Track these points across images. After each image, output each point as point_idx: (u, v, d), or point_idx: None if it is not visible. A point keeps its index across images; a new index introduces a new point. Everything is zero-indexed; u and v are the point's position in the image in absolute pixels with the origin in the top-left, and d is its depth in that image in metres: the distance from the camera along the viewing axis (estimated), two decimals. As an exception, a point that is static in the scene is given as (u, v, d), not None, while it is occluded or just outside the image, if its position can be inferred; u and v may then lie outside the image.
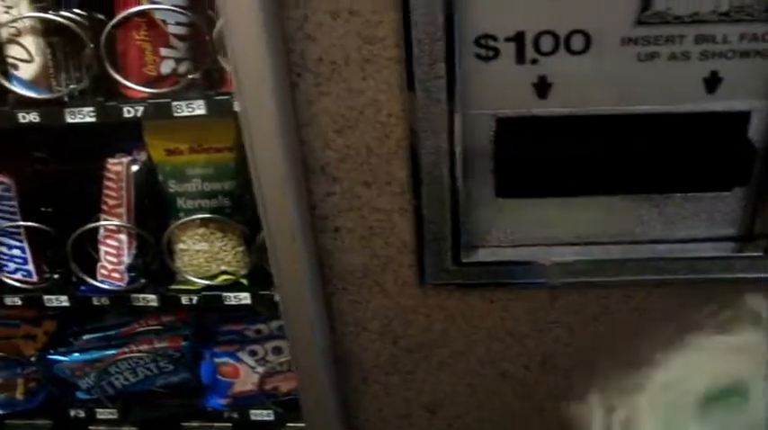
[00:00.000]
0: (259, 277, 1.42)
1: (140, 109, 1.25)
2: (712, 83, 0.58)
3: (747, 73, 0.57)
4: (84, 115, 1.27)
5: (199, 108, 1.20)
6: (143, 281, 1.49)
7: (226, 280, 1.45)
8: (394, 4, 0.53)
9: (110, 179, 1.41)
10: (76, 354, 1.68)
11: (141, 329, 1.71)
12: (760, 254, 0.61)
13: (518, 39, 0.56)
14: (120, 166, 1.40)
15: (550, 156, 0.60)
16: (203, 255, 1.45)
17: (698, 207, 0.54)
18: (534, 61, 0.56)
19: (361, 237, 0.66)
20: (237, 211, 1.42)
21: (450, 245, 0.64)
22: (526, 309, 0.69)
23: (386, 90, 0.58)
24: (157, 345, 1.67)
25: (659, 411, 0.52)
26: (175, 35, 1.24)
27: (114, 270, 1.48)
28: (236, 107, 1.17)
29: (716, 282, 0.61)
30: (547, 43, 0.56)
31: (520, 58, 0.56)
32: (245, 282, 1.45)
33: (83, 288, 1.52)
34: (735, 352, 0.51)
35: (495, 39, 0.56)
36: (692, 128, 0.58)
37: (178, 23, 1.23)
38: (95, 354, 1.67)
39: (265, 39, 0.56)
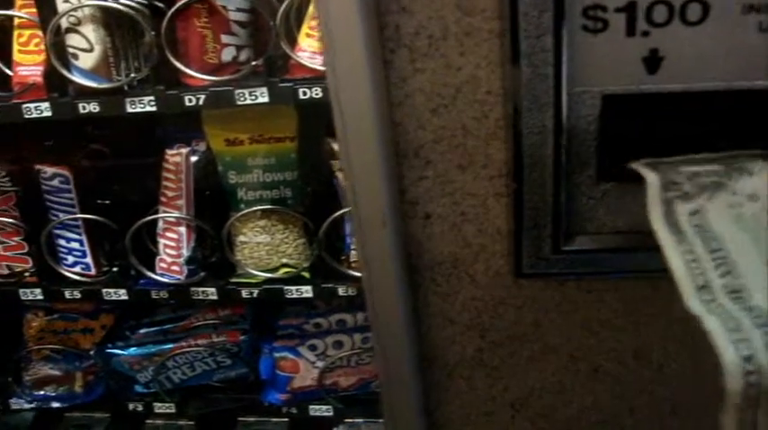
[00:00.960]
0: (320, 270, 1.40)
1: (202, 97, 1.22)
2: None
3: None
4: (144, 104, 1.26)
5: (262, 96, 1.18)
6: (202, 274, 1.47)
7: (287, 272, 1.43)
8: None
9: (168, 170, 1.39)
10: (134, 348, 1.67)
11: (199, 323, 1.70)
12: None
13: (629, 9, 0.52)
14: (178, 157, 1.37)
15: (659, 136, 0.55)
16: (264, 248, 1.43)
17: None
18: (646, 33, 0.52)
19: (452, 224, 0.63)
20: (299, 202, 1.39)
21: (550, 232, 0.60)
22: (624, 301, 0.65)
23: (485, 66, 0.55)
24: (215, 340, 1.66)
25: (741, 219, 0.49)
26: (237, 21, 1.22)
27: (173, 263, 1.46)
28: (302, 94, 1.15)
29: None
30: (660, 13, 0.52)
31: (630, 29, 0.52)
32: (306, 274, 1.43)
33: (141, 281, 1.51)
34: None
35: (604, 9, 0.52)
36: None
37: (239, 9, 1.21)
38: (153, 348, 1.67)
39: (359, 12, 0.52)
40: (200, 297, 1.49)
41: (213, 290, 1.48)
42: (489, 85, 0.56)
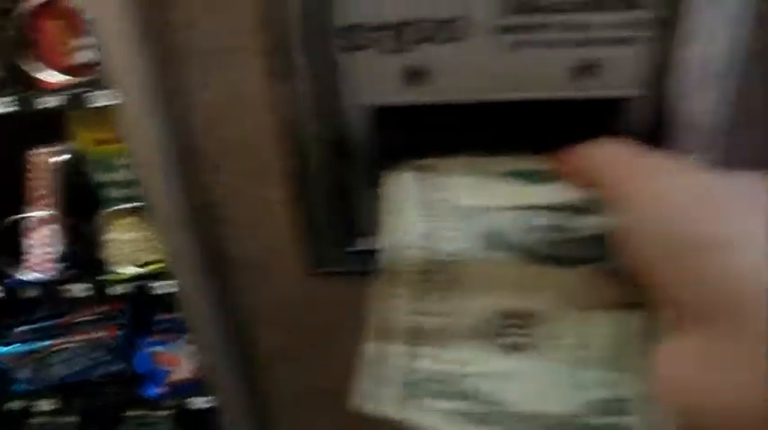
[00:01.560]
0: (188, 265, 1.42)
1: (58, 99, 1.24)
2: (583, 70, 0.59)
3: (616, 59, 0.58)
4: (3, 105, 1.26)
5: (116, 98, 1.20)
6: (72, 271, 1.48)
7: (155, 269, 1.46)
8: (256, -1, 0.53)
9: (35, 170, 1.40)
10: (13, 346, 1.67)
11: (77, 320, 1.71)
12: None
13: (388, 28, 0.56)
14: (45, 157, 1.39)
15: (427, 145, 0.60)
16: (132, 245, 1.45)
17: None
18: (404, 50, 0.57)
19: (248, 226, 0.67)
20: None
21: (332, 234, 0.65)
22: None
23: (260, 80, 0.59)
24: (93, 336, 1.67)
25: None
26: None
27: (44, 260, 1.47)
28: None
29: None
30: (416, 32, 0.56)
31: (390, 47, 0.57)
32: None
33: (8, 281, 1.51)
34: None
35: (364, 28, 0.56)
36: (567, 114, 0.60)
37: (95, 12, 1.22)
38: (33, 345, 1.67)
39: (136, 30, 0.56)
40: (72, 294, 1.50)
41: (84, 287, 1.49)
42: (265, 98, 0.60)
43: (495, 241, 0.49)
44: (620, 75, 0.59)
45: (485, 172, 0.55)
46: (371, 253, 0.67)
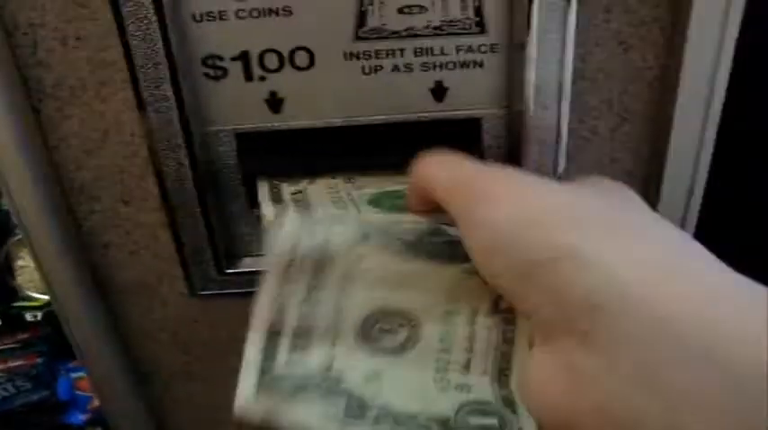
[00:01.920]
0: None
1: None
2: (439, 92, 0.61)
3: (470, 82, 0.61)
4: None
5: None
6: (-16, 300, 1.47)
7: (66, 295, 1.44)
8: (116, 29, 0.55)
9: (-60, 199, 1.38)
10: (-72, 379, 1.64)
11: (-4, 349, 1.68)
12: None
13: (244, 57, 0.58)
14: (-51, 186, 1.37)
15: (292, 167, 0.62)
16: (44, 271, 1.44)
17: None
18: (263, 78, 0.59)
19: (130, 251, 0.68)
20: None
21: (211, 256, 0.66)
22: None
23: (126, 111, 0.60)
24: (11, 364, 1.65)
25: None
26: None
27: (-47, 291, 1.45)
28: None
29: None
30: (272, 60, 0.58)
31: (248, 75, 0.59)
32: (88, 294, 1.44)
33: None
34: None
35: (221, 58, 0.58)
36: (428, 135, 0.62)
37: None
38: (-51, 377, 1.64)
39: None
40: (-16, 323, 1.48)
41: (-3, 315, 1.47)
42: (132, 127, 0.62)
43: (375, 237, 0.50)
44: (475, 95, 0.62)
45: (350, 200, 0.57)
46: (252, 274, 0.69)
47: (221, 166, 0.64)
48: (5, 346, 1.67)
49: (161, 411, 0.85)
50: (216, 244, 0.66)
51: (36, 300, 1.45)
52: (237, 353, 0.78)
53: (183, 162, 0.61)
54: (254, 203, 0.66)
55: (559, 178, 0.63)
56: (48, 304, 1.44)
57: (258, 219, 0.66)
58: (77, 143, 0.63)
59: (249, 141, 0.62)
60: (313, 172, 0.62)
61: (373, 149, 0.63)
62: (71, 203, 0.66)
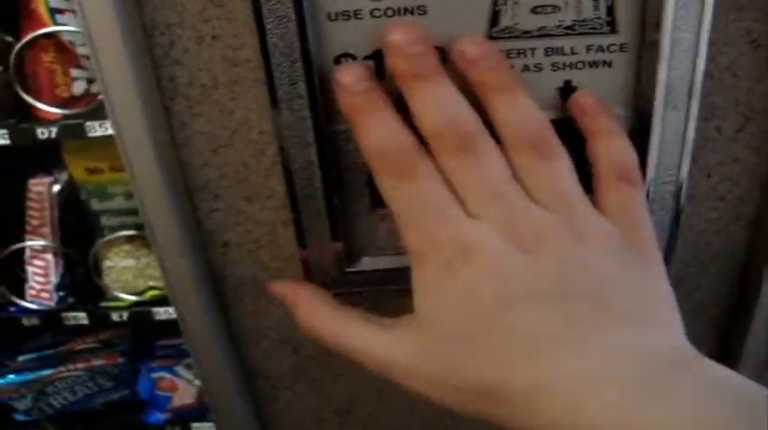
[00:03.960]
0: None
1: (54, 130, 1.25)
2: (566, 91, 0.61)
3: (598, 82, 0.60)
4: (1, 137, 1.27)
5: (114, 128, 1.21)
6: (72, 299, 1.49)
7: (154, 295, 1.46)
8: (252, 28, 0.55)
9: (32, 200, 1.41)
10: (11, 376, 1.67)
11: (78, 348, 1.71)
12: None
13: (376, 56, 0.58)
14: (41, 187, 1.40)
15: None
16: (130, 272, 1.46)
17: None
18: (393, 77, 0.59)
19: (249, 250, 0.68)
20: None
21: (332, 255, 0.66)
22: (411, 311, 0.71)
23: (255, 109, 0.60)
24: (95, 363, 1.68)
25: None
26: (85, 56, 1.25)
27: (43, 289, 1.48)
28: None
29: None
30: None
31: (380, 74, 0.59)
32: (173, 295, 1.46)
33: (12, 309, 1.52)
34: None
35: (354, 57, 0.58)
36: (557, 133, 0.61)
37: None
38: (31, 375, 1.67)
39: (133, 66, 0.57)
40: (72, 322, 1.51)
41: (84, 314, 1.50)
42: (261, 126, 0.62)
43: None
44: (602, 95, 0.61)
45: None
46: (371, 273, 0.69)
47: (348, 165, 0.63)
48: (89, 345, 1.70)
49: (267, 411, 0.85)
50: (338, 243, 0.66)
51: (122, 300, 1.47)
52: (345, 356, 0.78)
53: (313, 160, 0.61)
54: (377, 202, 0.65)
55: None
56: (133, 304, 1.47)
57: (380, 218, 0.66)
58: (204, 141, 0.63)
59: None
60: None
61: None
62: (194, 201, 0.67)
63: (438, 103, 0.46)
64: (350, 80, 0.48)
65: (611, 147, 0.52)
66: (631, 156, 0.52)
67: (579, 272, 0.44)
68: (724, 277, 0.75)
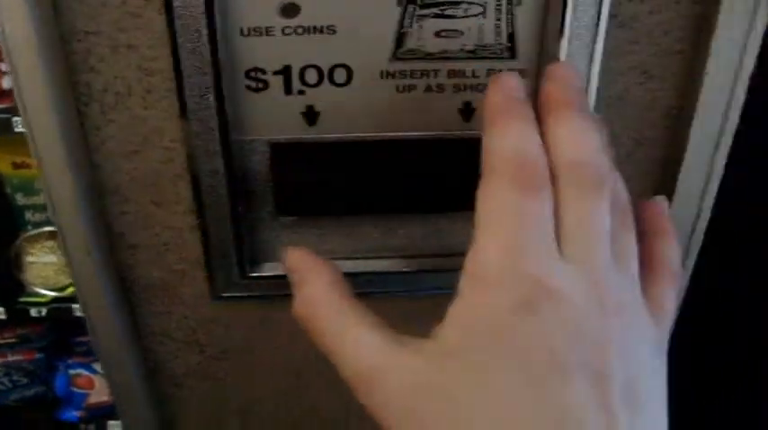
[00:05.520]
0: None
1: (-21, 123, 1.26)
2: (467, 112, 0.64)
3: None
4: None
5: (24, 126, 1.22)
6: (-10, 293, 1.49)
7: (74, 292, 1.46)
8: (167, 40, 0.58)
9: (-46, 192, 1.41)
10: (-74, 369, 1.66)
11: (-6, 343, 1.70)
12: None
13: (285, 72, 0.61)
14: (-36, 179, 1.40)
15: (322, 177, 0.65)
16: (52, 268, 1.47)
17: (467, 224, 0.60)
18: (301, 92, 0.62)
19: (157, 252, 0.71)
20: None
21: (235, 260, 0.69)
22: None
23: (167, 118, 0.63)
24: (10, 359, 1.67)
25: None
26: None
27: (-39, 283, 1.47)
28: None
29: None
30: (312, 76, 0.61)
31: (288, 89, 0.61)
32: (94, 293, 1.46)
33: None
34: None
35: (264, 72, 0.61)
36: (456, 152, 0.65)
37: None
38: (-53, 369, 1.66)
39: (47, 69, 0.59)
40: (-11, 317, 1.50)
41: (1, 309, 1.49)
42: (172, 134, 0.64)
43: None
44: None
45: None
46: (273, 278, 0.72)
47: (253, 174, 0.66)
48: (5, 341, 1.69)
49: (170, 409, 0.87)
50: (242, 248, 0.69)
51: (42, 296, 1.47)
52: (251, 356, 0.81)
53: (219, 169, 0.64)
54: (281, 210, 0.69)
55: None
56: (53, 301, 1.47)
57: (282, 225, 0.69)
58: (117, 146, 0.66)
59: (283, 151, 0.65)
60: (341, 184, 0.65)
61: (403, 164, 0.66)
62: (104, 204, 0.69)
63: (585, 135, 0.44)
64: (513, 85, 0.49)
65: (671, 250, 0.50)
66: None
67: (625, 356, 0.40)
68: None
